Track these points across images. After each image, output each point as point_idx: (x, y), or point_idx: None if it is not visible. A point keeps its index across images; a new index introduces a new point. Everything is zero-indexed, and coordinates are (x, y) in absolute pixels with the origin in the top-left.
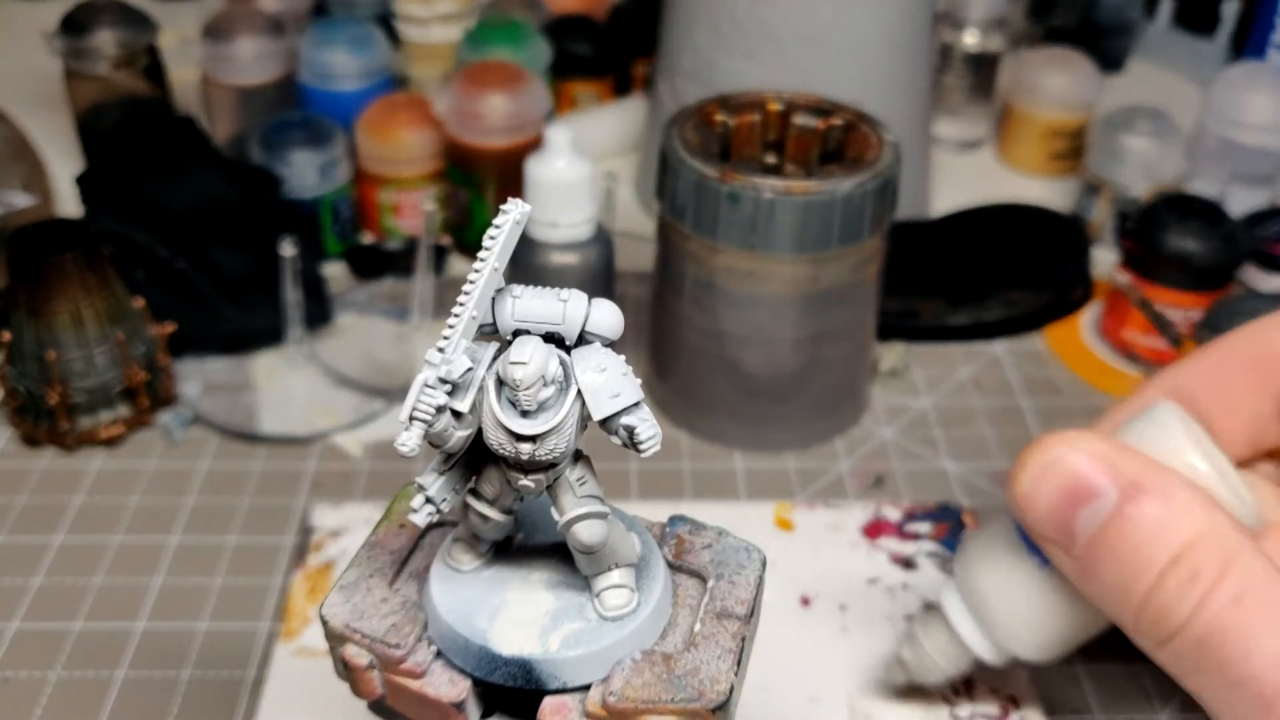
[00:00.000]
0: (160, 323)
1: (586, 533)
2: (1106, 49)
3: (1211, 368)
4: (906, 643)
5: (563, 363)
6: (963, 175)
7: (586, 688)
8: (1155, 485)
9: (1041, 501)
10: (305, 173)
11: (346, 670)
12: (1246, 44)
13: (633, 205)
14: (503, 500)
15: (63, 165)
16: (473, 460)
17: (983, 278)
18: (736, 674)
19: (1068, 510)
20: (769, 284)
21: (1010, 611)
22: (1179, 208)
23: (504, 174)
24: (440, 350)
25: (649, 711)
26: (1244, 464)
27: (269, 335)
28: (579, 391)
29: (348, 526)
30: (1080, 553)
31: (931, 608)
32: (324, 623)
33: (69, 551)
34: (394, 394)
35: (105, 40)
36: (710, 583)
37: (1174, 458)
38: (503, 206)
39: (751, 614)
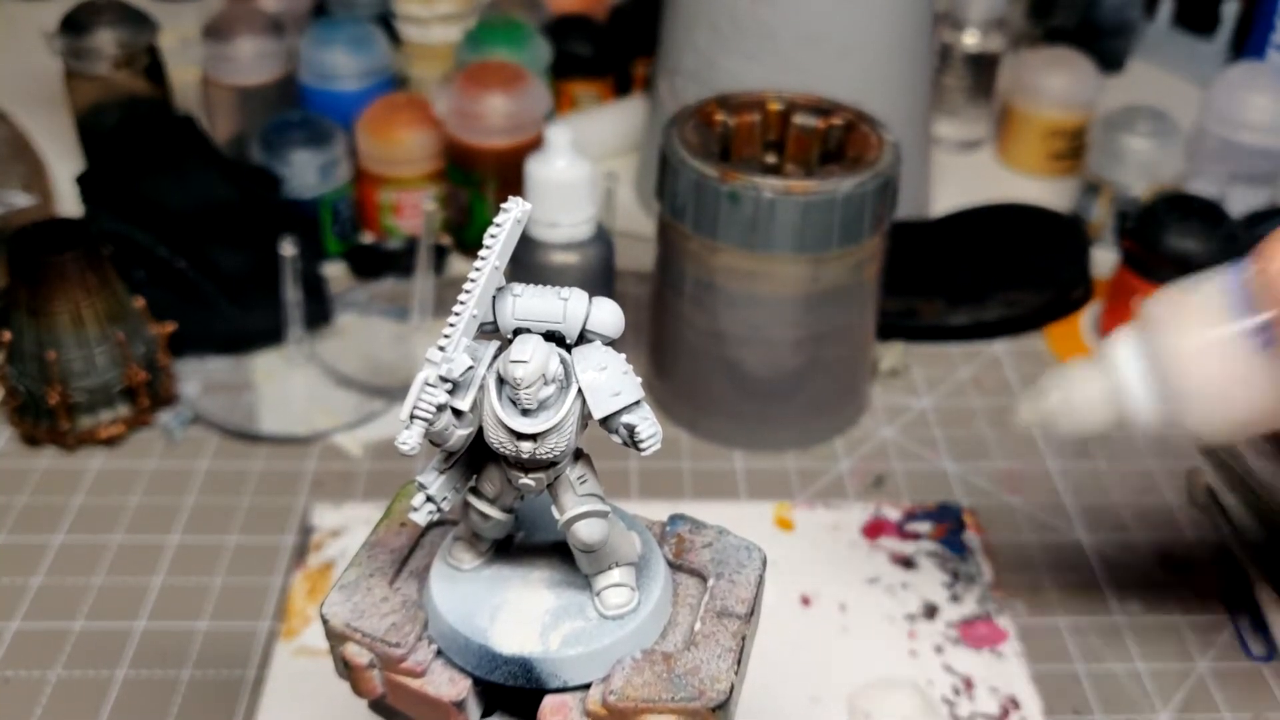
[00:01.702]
0: (160, 323)
1: (587, 531)
2: (1106, 49)
3: None
4: (1057, 383)
5: (563, 361)
6: (963, 175)
7: (587, 686)
8: None
9: None
10: (305, 173)
11: (347, 669)
12: (1246, 44)
13: (633, 205)
14: (503, 499)
15: (63, 165)
16: (473, 459)
17: (982, 278)
18: (736, 673)
19: None
20: (769, 284)
21: (1205, 383)
22: (1179, 208)
23: (504, 174)
24: (441, 349)
25: (649, 710)
26: None
27: (269, 335)
28: (579, 390)
29: (348, 526)
30: None
31: (1098, 355)
32: (324, 622)
33: (69, 551)
34: (394, 394)
35: (105, 40)
36: (710, 582)
37: None
38: (503, 205)
39: (751, 613)
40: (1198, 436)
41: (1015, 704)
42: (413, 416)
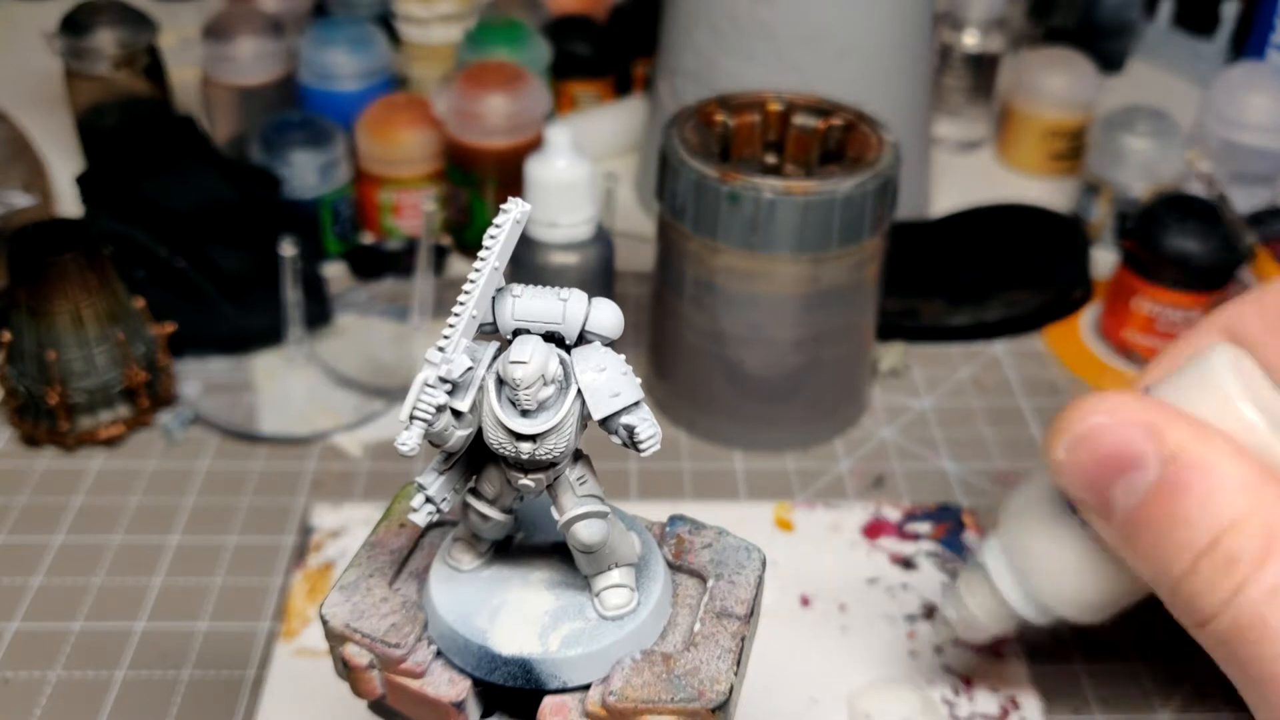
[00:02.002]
0: (160, 323)
1: (586, 532)
2: (1106, 49)
3: (1269, 306)
4: (949, 600)
5: (563, 362)
6: (963, 175)
7: (586, 687)
8: (1198, 458)
9: (1079, 469)
10: (305, 173)
11: (346, 670)
12: (1246, 44)
13: (633, 205)
14: (503, 500)
15: (63, 165)
16: (473, 460)
17: (982, 278)
18: (736, 674)
19: (1106, 479)
20: (769, 284)
21: (1053, 571)
22: (1179, 208)
23: (504, 174)
24: (440, 349)
25: (649, 711)
26: None
27: (269, 335)
28: (579, 391)
29: (347, 526)
30: (1118, 524)
31: (974, 565)
32: (324, 622)
33: (69, 551)
34: (394, 394)
35: (105, 40)
36: (710, 582)
37: (1223, 410)
38: (503, 206)
39: (751, 614)
40: (1077, 624)
41: (1015, 704)
42: (412, 417)
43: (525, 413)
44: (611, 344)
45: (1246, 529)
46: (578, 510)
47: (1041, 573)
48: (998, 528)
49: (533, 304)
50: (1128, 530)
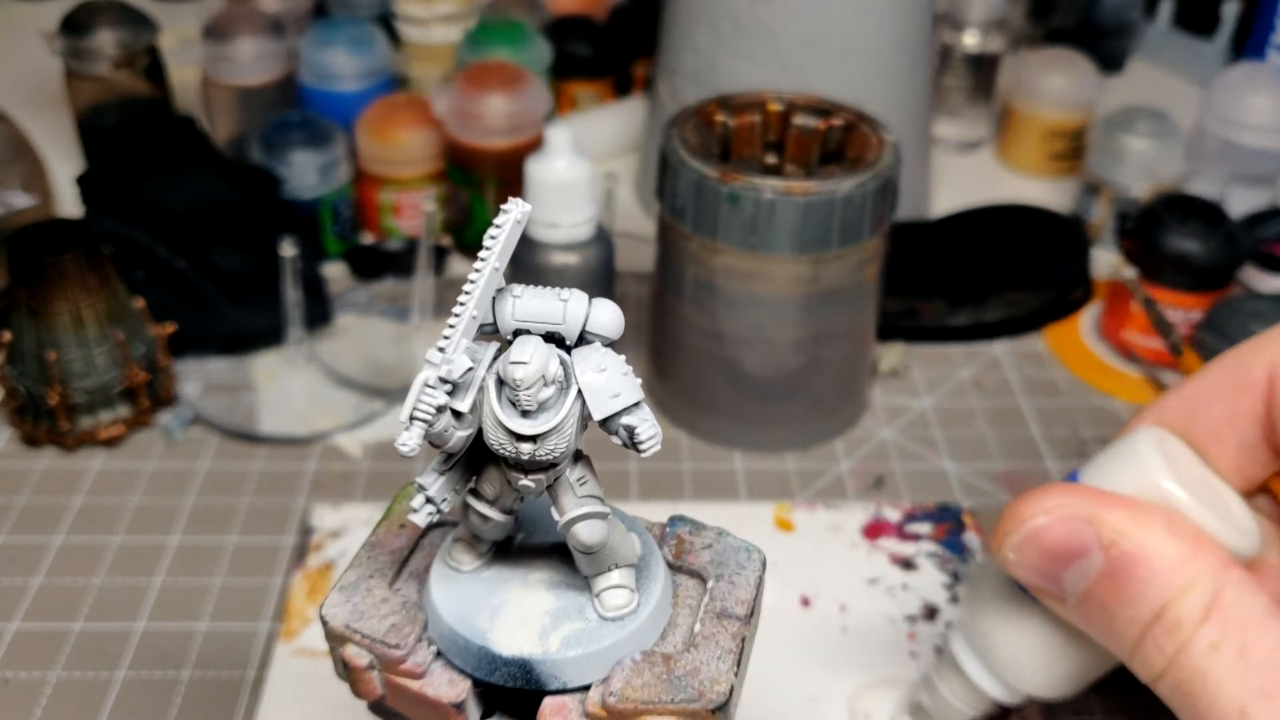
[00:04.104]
0: (160, 323)
1: (586, 533)
2: (1106, 49)
3: (1194, 396)
4: (924, 689)
5: (563, 362)
6: (963, 176)
7: (586, 688)
8: (1137, 543)
9: (1028, 566)
10: (305, 173)
11: (346, 670)
12: (1246, 45)
13: (633, 205)
14: (503, 500)
15: (63, 165)
16: (473, 460)
17: (982, 278)
18: (736, 674)
19: (1055, 570)
20: (769, 284)
21: (1017, 654)
22: (1179, 208)
23: (504, 174)
24: (440, 350)
25: (649, 712)
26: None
27: (269, 335)
28: (579, 391)
29: (347, 527)
30: (1072, 607)
31: (943, 652)
32: (324, 623)
33: (69, 551)
34: (394, 394)
35: (105, 40)
36: (710, 583)
37: (1150, 487)
38: (503, 206)
39: (751, 614)
40: (1049, 701)
41: None
42: (412, 418)
43: (525, 413)
44: (612, 344)
45: (1188, 598)
46: (578, 511)
47: (1008, 656)
48: (959, 617)
49: (533, 304)
50: (1081, 612)
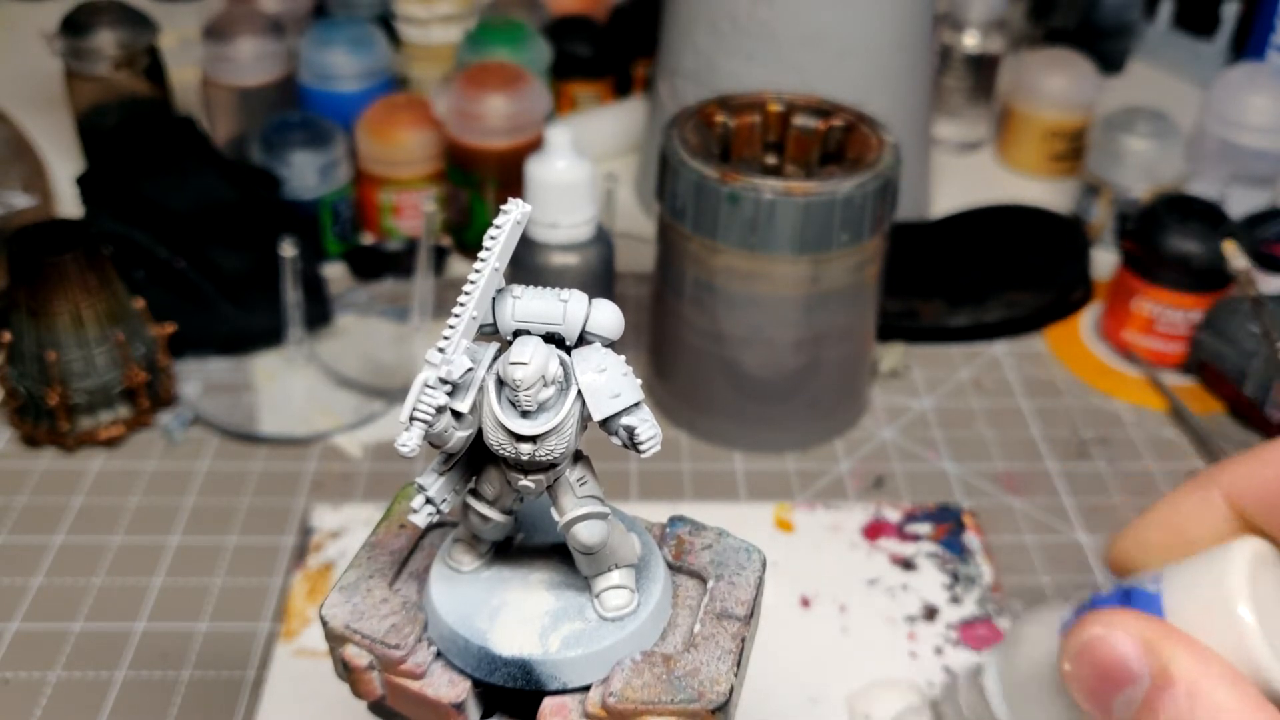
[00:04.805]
0: (160, 323)
1: (586, 533)
2: (1106, 50)
3: (1270, 483)
4: (946, 697)
5: (563, 363)
6: (963, 176)
7: (586, 688)
8: (1186, 675)
9: (1083, 679)
10: (305, 173)
11: (346, 671)
12: (1246, 45)
13: (633, 206)
14: (503, 501)
15: (63, 165)
16: (473, 461)
17: (983, 279)
18: (736, 675)
19: (1106, 690)
20: (769, 285)
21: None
22: (1179, 209)
23: (504, 175)
24: (440, 350)
25: (649, 712)
26: None
27: (269, 335)
28: (579, 392)
29: (347, 527)
30: None
31: (976, 674)
32: (324, 623)
33: (69, 551)
34: (394, 395)
35: (105, 40)
36: (710, 583)
37: (1220, 606)
38: (503, 207)
39: (751, 615)
40: None
41: None
42: (412, 418)
43: (525, 414)
44: (612, 345)
45: None
46: (578, 511)
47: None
48: (1000, 663)
49: (533, 305)
50: None
